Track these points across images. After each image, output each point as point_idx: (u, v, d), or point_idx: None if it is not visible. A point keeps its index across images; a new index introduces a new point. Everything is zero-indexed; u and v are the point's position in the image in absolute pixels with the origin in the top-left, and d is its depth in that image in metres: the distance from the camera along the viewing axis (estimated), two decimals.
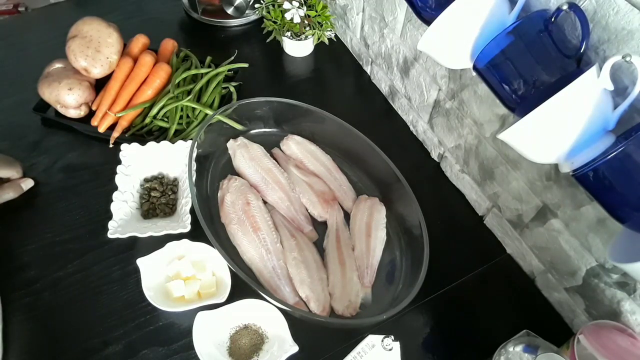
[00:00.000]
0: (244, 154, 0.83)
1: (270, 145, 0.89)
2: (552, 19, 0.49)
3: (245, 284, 0.63)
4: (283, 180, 0.82)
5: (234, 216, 0.75)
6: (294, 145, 0.88)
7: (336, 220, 0.79)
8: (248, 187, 0.80)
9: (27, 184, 0.81)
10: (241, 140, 0.86)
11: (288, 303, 0.67)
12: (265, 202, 0.80)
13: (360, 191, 0.85)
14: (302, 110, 0.86)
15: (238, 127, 0.87)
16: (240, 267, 0.64)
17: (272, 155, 0.87)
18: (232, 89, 0.95)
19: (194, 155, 0.74)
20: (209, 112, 0.88)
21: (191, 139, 0.83)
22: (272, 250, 0.73)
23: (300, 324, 0.66)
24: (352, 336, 0.67)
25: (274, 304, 0.64)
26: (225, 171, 0.83)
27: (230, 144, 0.85)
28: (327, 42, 1.10)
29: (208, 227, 0.65)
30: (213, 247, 0.70)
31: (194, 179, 0.72)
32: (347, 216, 0.81)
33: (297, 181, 0.83)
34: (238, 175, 0.83)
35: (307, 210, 0.81)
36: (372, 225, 0.77)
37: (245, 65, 0.99)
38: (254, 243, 0.73)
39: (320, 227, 0.80)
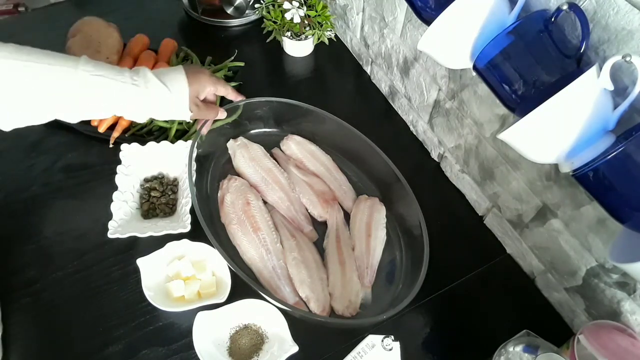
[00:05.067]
0: (244, 154, 0.83)
1: (270, 145, 0.89)
2: (552, 19, 0.49)
3: (245, 284, 0.63)
4: (283, 180, 0.82)
5: (233, 216, 0.75)
6: (294, 145, 0.88)
7: (336, 220, 0.79)
8: (248, 187, 0.80)
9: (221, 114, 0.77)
10: (241, 140, 0.86)
11: (288, 303, 0.68)
12: (265, 202, 0.80)
13: (360, 191, 0.85)
14: (302, 110, 0.86)
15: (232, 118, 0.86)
16: (240, 267, 0.64)
17: (272, 155, 0.87)
18: None
19: (194, 155, 0.74)
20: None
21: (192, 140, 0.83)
22: (272, 250, 0.73)
23: (300, 324, 0.66)
24: (352, 336, 0.67)
25: (274, 304, 0.64)
26: (225, 171, 0.83)
27: (231, 144, 0.85)
28: (327, 42, 1.10)
29: (208, 227, 0.65)
30: (213, 247, 0.70)
31: (193, 179, 0.72)
32: (347, 216, 0.81)
33: (297, 181, 0.83)
34: (238, 175, 0.83)
35: (307, 210, 0.82)
36: (372, 225, 0.77)
37: (242, 64, 0.99)
38: (254, 243, 0.73)
39: (320, 227, 0.80)
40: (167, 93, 0.64)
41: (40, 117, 0.60)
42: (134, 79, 0.61)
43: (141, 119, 0.66)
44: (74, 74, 0.57)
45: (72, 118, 0.61)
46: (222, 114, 0.76)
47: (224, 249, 0.65)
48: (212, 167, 0.84)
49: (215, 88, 0.72)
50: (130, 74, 0.62)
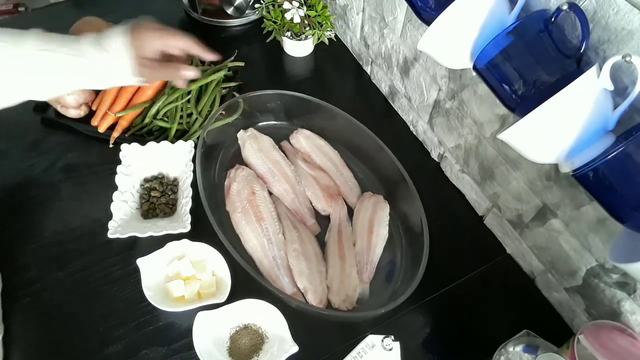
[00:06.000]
0: (253, 145, 0.85)
1: (279, 138, 0.90)
2: (552, 19, 0.49)
3: (245, 284, 0.63)
4: (289, 172, 0.83)
5: (238, 204, 0.76)
6: (303, 139, 0.89)
7: (339, 215, 0.80)
8: (255, 178, 0.81)
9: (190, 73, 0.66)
10: (251, 131, 0.87)
11: (286, 293, 0.68)
12: (270, 193, 0.81)
13: (366, 188, 0.85)
14: (313, 105, 0.87)
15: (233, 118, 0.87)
16: (241, 255, 0.65)
17: (281, 148, 0.88)
18: (236, 94, 0.95)
19: (201, 153, 0.75)
20: (200, 118, 0.88)
21: (193, 141, 0.83)
22: (273, 240, 0.74)
23: (300, 323, 0.66)
24: (352, 336, 0.67)
25: (272, 291, 0.64)
26: (234, 160, 0.85)
27: (241, 134, 0.87)
28: (327, 42, 1.10)
29: (212, 214, 0.66)
30: (213, 245, 0.70)
31: (199, 177, 0.72)
32: (350, 212, 0.82)
33: (303, 174, 0.84)
34: (246, 165, 0.84)
35: (311, 203, 0.82)
36: (375, 222, 0.78)
37: (242, 64, 0.99)
38: (256, 232, 0.74)
39: (323, 221, 0.81)
40: (107, 58, 0.60)
41: None
42: (75, 48, 0.58)
43: (93, 86, 0.62)
44: (20, 49, 0.55)
45: (28, 95, 0.59)
46: (189, 73, 0.65)
47: (226, 237, 0.66)
48: (221, 156, 0.85)
49: (163, 42, 0.63)
50: (73, 42, 0.58)
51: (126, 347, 0.67)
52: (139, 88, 0.91)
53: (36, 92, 0.60)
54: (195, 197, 0.73)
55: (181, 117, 0.89)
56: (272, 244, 0.73)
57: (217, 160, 0.84)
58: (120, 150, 0.80)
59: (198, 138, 0.77)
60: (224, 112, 0.81)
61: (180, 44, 0.65)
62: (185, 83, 0.69)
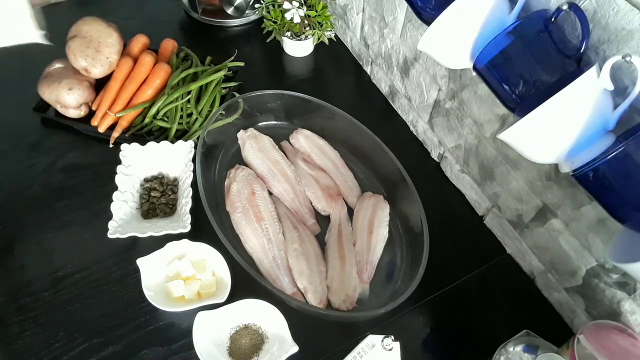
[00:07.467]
0: (253, 145, 0.85)
1: (279, 138, 0.90)
2: (552, 19, 0.49)
3: (245, 284, 0.63)
4: (289, 172, 0.83)
5: (238, 205, 0.76)
6: (303, 139, 0.89)
7: (339, 215, 0.80)
8: (255, 178, 0.81)
9: None
10: (251, 131, 0.87)
11: (286, 293, 0.68)
12: (270, 193, 0.81)
13: (366, 188, 0.85)
14: (313, 105, 0.87)
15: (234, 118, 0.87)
16: (241, 255, 0.65)
17: (281, 148, 0.88)
18: (236, 95, 0.95)
19: (201, 153, 0.75)
20: (200, 118, 0.89)
21: (193, 141, 0.83)
22: (273, 240, 0.74)
23: (300, 323, 0.66)
24: (352, 336, 0.67)
25: (272, 291, 0.64)
26: (234, 160, 0.85)
27: (241, 134, 0.87)
28: (327, 42, 1.10)
29: (212, 214, 0.66)
30: (213, 245, 0.70)
31: (200, 177, 0.72)
32: (350, 212, 0.82)
33: (303, 174, 0.84)
34: (246, 165, 0.84)
35: (311, 203, 0.82)
36: (375, 223, 0.78)
37: (242, 64, 0.99)
38: (256, 232, 0.74)
39: (323, 220, 0.81)
40: None
41: None
42: None
43: None
44: None
45: None
46: None
47: (226, 237, 0.66)
48: (221, 156, 0.86)
49: None
50: None
51: (126, 347, 0.67)
52: (139, 88, 0.91)
53: None
54: (195, 197, 0.73)
55: (181, 117, 0.89)
56: (272, 243, 0.74)
57: (217, 160, 0.85)
58: (120, 150, 0.80)
59: (198, 138, 0.77)
60: (224, 112, 0.81)
61: None
62: None
